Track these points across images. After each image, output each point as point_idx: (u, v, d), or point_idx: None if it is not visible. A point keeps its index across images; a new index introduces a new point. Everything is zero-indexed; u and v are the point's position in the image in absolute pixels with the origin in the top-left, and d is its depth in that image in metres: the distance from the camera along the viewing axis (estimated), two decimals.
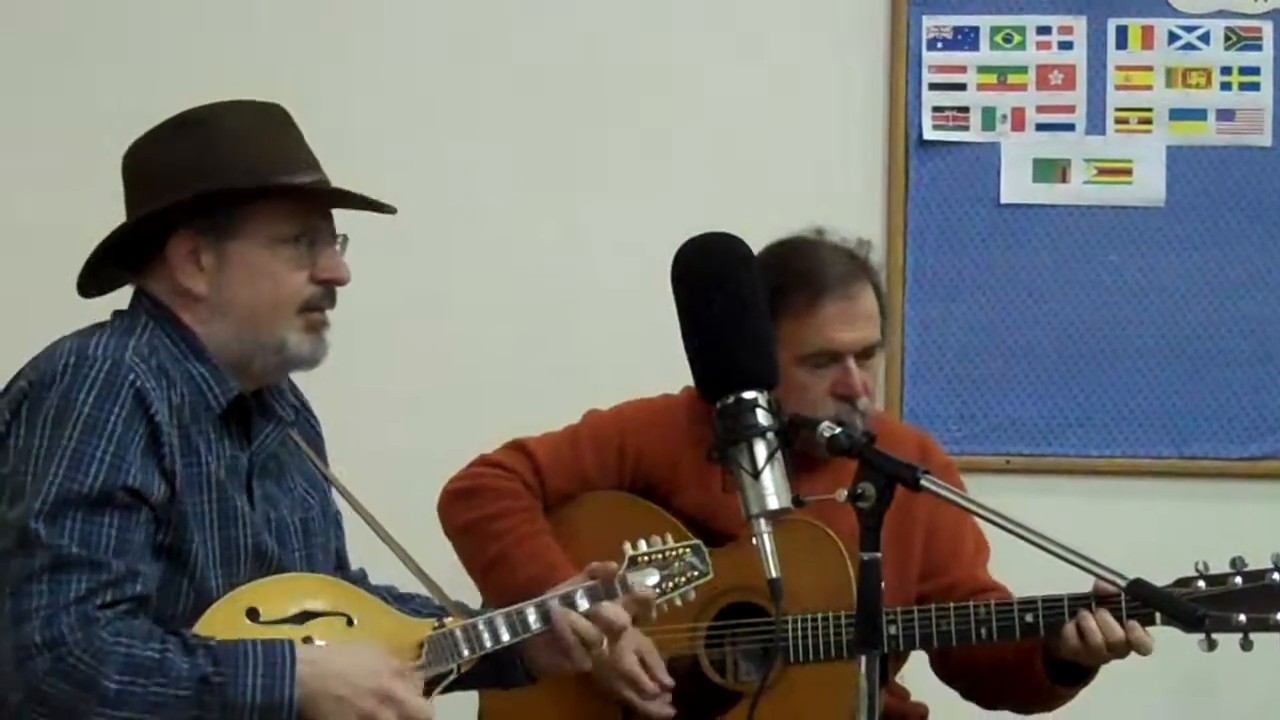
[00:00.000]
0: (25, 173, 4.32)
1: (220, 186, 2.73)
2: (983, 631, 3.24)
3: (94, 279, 2.87)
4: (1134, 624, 3.15)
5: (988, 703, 3.47)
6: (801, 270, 3.33)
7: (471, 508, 3.44)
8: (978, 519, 2.46)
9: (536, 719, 3.41)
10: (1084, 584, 3.14)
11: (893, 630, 3.25)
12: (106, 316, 2.85)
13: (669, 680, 3.32)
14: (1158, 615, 3.13)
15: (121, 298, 2.88)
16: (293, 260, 2.79)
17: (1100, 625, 3.15)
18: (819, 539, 3.24)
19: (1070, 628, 3.17)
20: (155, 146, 2.80)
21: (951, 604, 3.27)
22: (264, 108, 2.85)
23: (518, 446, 3.48)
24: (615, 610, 2.95)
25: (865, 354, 3.36)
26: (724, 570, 3.17)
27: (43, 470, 2.63)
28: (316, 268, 2.81)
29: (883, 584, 2.42)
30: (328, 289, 2.82)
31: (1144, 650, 3.16)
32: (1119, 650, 3.17)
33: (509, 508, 3.41)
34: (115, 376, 2.67)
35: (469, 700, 3.42)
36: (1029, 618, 3.22)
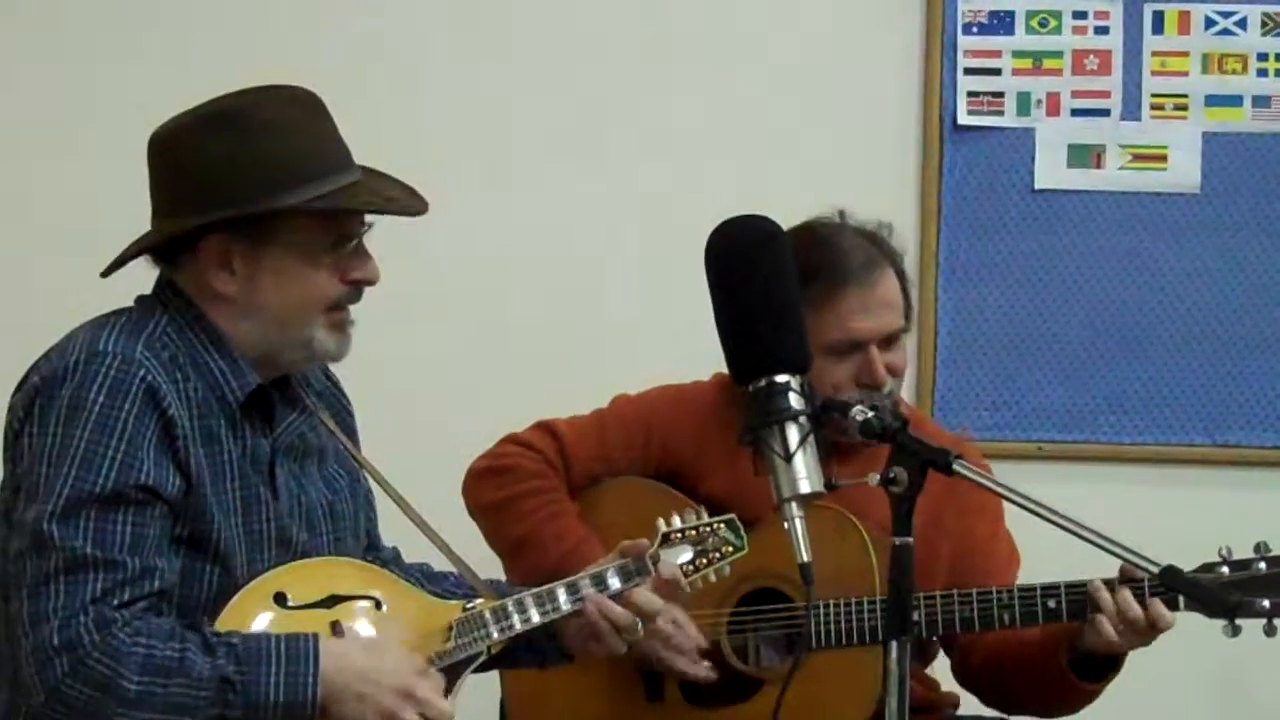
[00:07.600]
0: (37, 167, 4.33)
1: (263, 208, 2.70)
2: (1005, 617, 3.23)
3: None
4: (1155, 600, 3.12)
5: (1009, 706, 3.44)
6: (821, 260, 3.29)
7: (499, 486, 3.43)
8: (1008, 503, 2.44)
9: (559, 693, 3.40)
10: (1115, 572, 3.13)
11: (915, 616, 3.24)
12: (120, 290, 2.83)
13: (703, 641, 3.31)
14: (1181, 600, 3.11)
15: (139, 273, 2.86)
16: (324, 266, 2.77)
17: (1119, 602, 3.14)
18: (842, 524, 3.23)
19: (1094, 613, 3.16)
20: (191, 141, 2.75)
21: (974, 589, 3.26)
22: (297, 97, 2.81)
23: (545, 427, 3.47)
24: (647, 597, 2.95)
25: (888, 341, 3.34)
26: (748, 556, 3.16)
27: (55, 470, 2.62)
28: (347, 270, 2.79)
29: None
30: (355, 288, 2.81)
31: (1163, 624, 3.12)
32: (1138, 629, 3.14)
33: (536, 487, 3.40)
34: (126, 373, 2.66)
35: (491, 675, 3.42)
36: (1051, 603, 3.21)
